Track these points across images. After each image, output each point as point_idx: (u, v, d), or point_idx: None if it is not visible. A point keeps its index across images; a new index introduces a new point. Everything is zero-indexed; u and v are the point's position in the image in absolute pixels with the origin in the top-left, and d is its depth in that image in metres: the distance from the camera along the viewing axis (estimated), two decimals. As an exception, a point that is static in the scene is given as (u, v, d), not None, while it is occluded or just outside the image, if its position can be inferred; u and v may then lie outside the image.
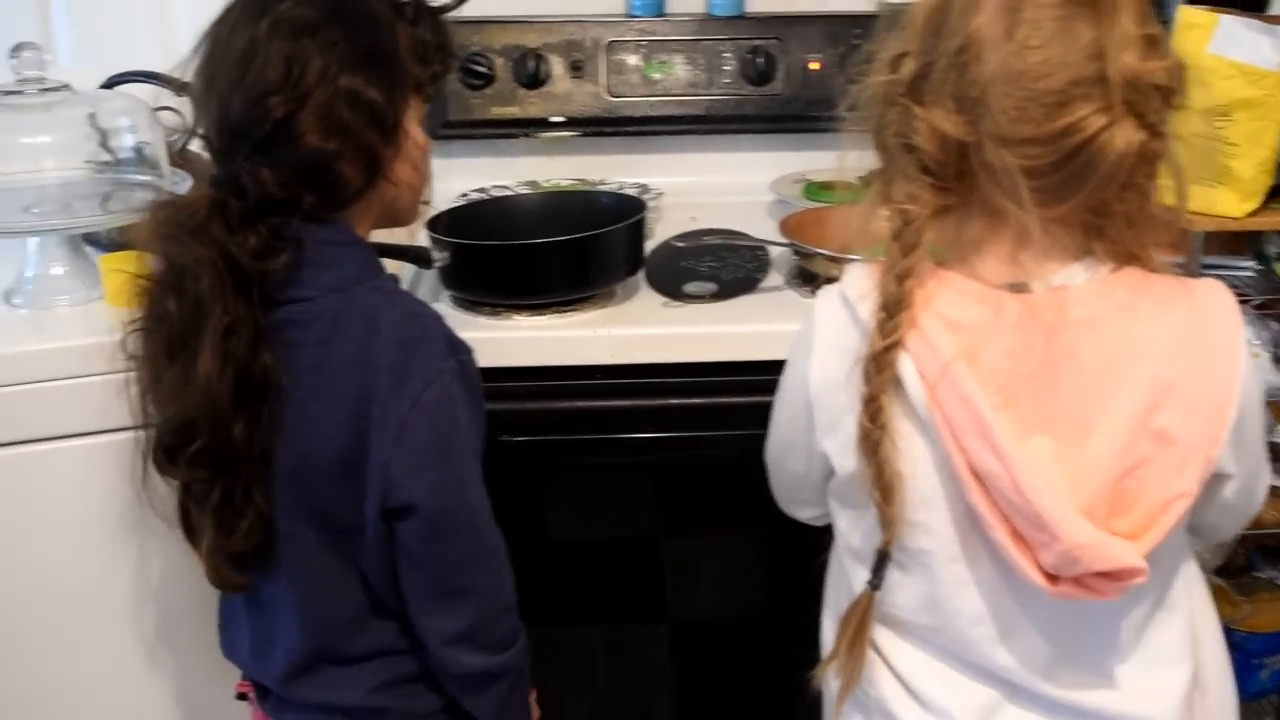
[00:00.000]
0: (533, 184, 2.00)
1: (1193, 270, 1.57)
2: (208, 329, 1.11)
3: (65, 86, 1.49)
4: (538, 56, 1.98)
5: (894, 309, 1.00)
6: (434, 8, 1.23)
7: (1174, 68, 0.98)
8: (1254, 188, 1.51)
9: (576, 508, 1.66)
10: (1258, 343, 1.56)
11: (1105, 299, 1.00)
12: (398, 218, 1.26)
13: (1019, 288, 1.01)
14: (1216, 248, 1.75)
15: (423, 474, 1.14)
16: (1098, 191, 0.98)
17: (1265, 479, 1.11)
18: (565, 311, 1.54)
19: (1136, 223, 1.01)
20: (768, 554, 1.67)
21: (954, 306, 1.01)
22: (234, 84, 1.11)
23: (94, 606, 1.45)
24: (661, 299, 1.59)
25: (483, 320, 1.53)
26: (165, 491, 1.23)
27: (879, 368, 1.00)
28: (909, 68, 1.01)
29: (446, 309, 1.55)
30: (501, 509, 1.22)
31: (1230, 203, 1.52)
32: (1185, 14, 1.50)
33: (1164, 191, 1.01)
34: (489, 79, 1.98)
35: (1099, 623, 1.05)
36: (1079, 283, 1.01)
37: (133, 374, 1.19)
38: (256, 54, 1.10)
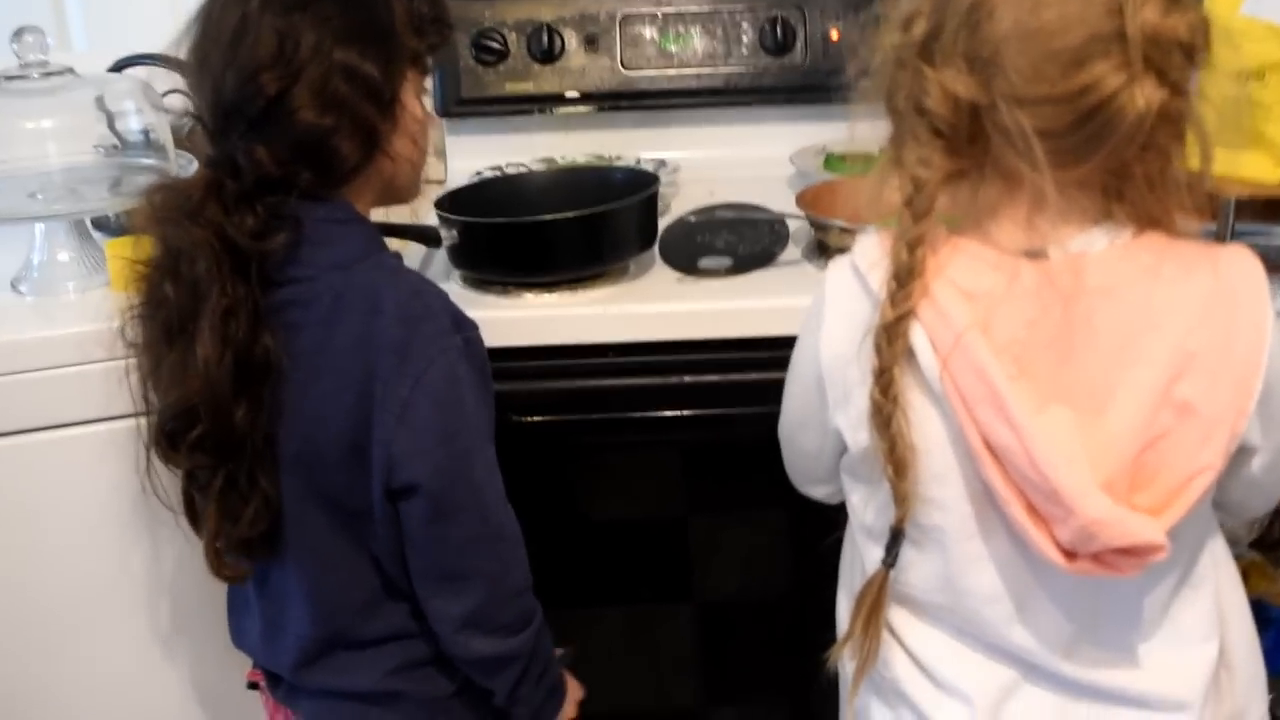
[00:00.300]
0: (549, 160, 1.97)
1: (1225, 237, 1.52)
2: (206, 312, 1.10)
3: (68, 70, 1.48)
4: (551, 31, 1.95)
5: (905, 278, 0.97)
6: (429, -20, 1.22)
7: (1197, 22, 0.94)
8: (1288, 152, 1.47)
9: (591, 488, 1.64)
10: (1287, 311, 1.51)
11: (1127, 264, 0.97)
12: (398, 194, 1.25)
13: (1036, 254, 0.98)
14: (1249, 215, 1.70)
15: (425, 454, 1.12)
16: (1117, 153, 0.94)
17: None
18: (577, 289, 1.52)
19: (1158, 185, 0.97)
20: (792, 531, 1.65)
21: (968, 274, 0.98)
22: (226, 62, 1.10)
23: (103, 595, 1.44)
24: (675, 275, 1.56)
25: (492, 299, 1.50)
26: (170, 480, 1.22)
27: (890, 339, 0.97)
28: (920, 28, 0.97)
29: (456, 288, 1.53)
30: (517, 490, 1.20)
31: (1263, 168, 1.48)
32: (1216, -27, 1.46)
33: (1190, 154, 0.98)
34: (502, 54, 1.96)
35: (1120, 600, 1.02)
36: (1099, 248, 0.98)
37: (133, 361, 1.18)
38: (248, 30, 1.10)
